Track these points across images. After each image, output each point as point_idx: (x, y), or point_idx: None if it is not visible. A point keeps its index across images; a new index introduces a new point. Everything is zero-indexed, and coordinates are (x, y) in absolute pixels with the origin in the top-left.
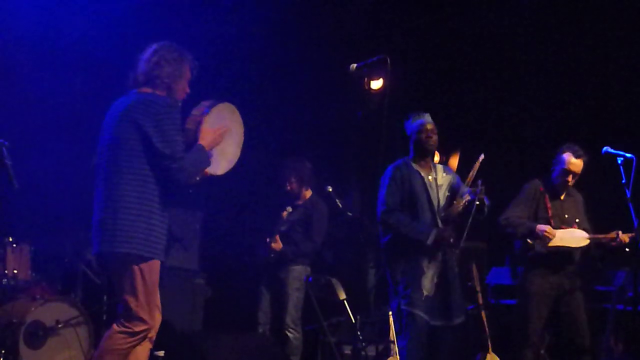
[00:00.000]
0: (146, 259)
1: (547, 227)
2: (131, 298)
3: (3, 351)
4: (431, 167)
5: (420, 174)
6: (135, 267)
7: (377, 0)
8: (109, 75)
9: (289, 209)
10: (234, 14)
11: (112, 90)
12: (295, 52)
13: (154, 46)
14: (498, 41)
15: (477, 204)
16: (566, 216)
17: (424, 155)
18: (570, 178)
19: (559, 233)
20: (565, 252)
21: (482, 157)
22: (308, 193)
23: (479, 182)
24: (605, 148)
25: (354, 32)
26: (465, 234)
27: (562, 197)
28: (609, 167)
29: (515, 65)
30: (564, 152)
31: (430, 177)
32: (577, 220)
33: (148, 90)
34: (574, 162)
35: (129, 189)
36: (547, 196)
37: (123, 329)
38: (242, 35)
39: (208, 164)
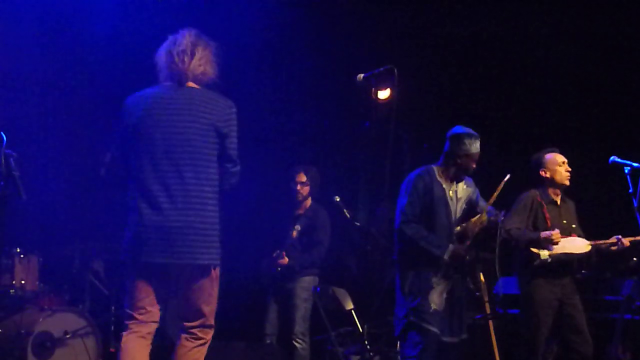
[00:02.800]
0: (218, 266)
1: (550, 232)
2: (208, 307)
3: None
4: (454, 180)
5: (442, 186)
6: (215, 276)
7: (384, 10)
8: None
9: (298, 227)
10: (242, 23)
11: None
12: (303, 62)
13: (192, 38)
14: (507, 51)
15: (493, 232)
16: (564, 222)
17: (456, 174)
18: (568, 168)
19: (562, 242)
20: (567, 260)
21: (507, 177)
22: (309, 202)
23: (502, 212)
24: (612, 158)
25: (361, 42)
26: (497, 267)
27: (558, 203)
28: (617, 177)
29: (523, 76)
30: (545, 154)
31: (451, 192)
32: (573, 225)
33: (195, 86)
34: (558, 156)
35: (208, 190)
36: (545, 207)
37: (200, 341)
38: (250, 44)
39: None
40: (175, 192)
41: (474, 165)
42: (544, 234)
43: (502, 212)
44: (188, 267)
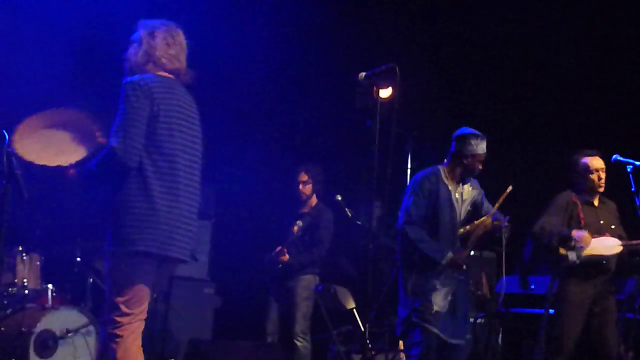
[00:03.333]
0: None
1: (582, 233)
2: None
3: None
4: (460, 181)
5: (448, 187)
6: None
7: (386, 8)
8: None
9: (300, 223)
10: (246, 22)
11: None
12: (304, 62)
13: (182, 35)
14: (510, 49)
15: (498, 236)
16: (601, 222)
17: (463, 175)
18: (601, 175)
19: (593, 242)
20: (599, 261)
21: (510, 188)
22: (314, 200)
23: (507, 218)
24: (614, 156)
25: (363, 40)
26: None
27: (596, 204)
28: (619, 175)
29: (526, 74)
30: (581, 157)
31: (457, 193)
32: (612, 226)
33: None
34: (595, 160)
35: (198, 196)
36: (580, 206)
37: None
38: (253, 43)
39: None
40: (191, 187)
41: (480, 167)
42: (575, 233)
43: (507, 217)
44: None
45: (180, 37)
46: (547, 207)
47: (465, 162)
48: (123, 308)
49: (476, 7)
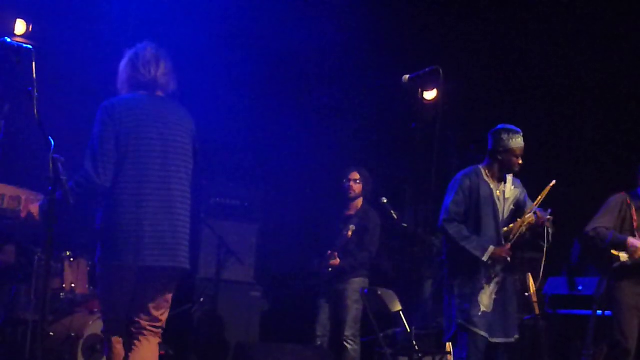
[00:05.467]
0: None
1: (638, 242)
2: (166, 312)
3: None
4: (501, 179)
5: (489, 186)
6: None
7: (431, 10)
8: None
9: (352, 227)
10: (288, 25)
11: None
12: (349, 64)
13: (153, 50)
14: (556, 48)
15: (541, 231)
16: None
17: (501, 172)
18: None
19: None
20: None
21: (553, 182)
22: (360, 202)
23: (549, 210)
24: None
25: (408, 42)
26: (543, 263)
27: None
28: None
29: (575, 72)
30: None
31: (498, 191)
32: None
33: (161, 95)
34: None
35: (188, 197)
36: (634, 208)
37: (156, 343)
38: (300, 47)
39: None
40: (169, 198)
41: (519, 162)
42: (630, 241)
43: (549, 211)
44: (177, 270)
45: (149, 52)
46: (601, 208)
47: (499, 157)
48: (109, 314)
49: (522, 8)
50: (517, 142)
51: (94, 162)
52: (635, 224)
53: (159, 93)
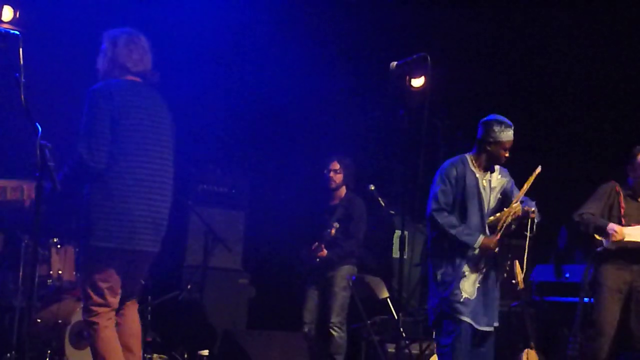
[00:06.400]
0: None
1: (617, 227)
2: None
3: (49, 351)
4: (488, 169)
5: (475, 175)
6: None
7: None
8: None
9: (337, 225)
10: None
11: None
12: (336, 52)
13: (144, 39)
14: (542, 37)
15: (525, 222)
16: None
17: (488, 163)
18: None
19: (628, 230)
20: (635, 249)
21: (538, 169)
22: (343, 191)
23: (533, 202)
24: None
25: (395, 29)
26: (526, 257)
27: (638, 198)
28: None
29: (564, 63)
30: (637, 153)
31: (484, 181)
32: None
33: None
34: None
35: (171, 183)
36: (622, 196)
37: (136, 309)
38: (281, 33)
39: None
40: (157, 184)
41: (506, 154)
42: (610, 226)
43: (535, 202)
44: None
45: (142, 41)
46: (590, 196)
47: (488, 148)
48: (96, 298)
49: None
50: (508, 135)
51: (88, 143)
52: (622, 211)
53: (135, 79)
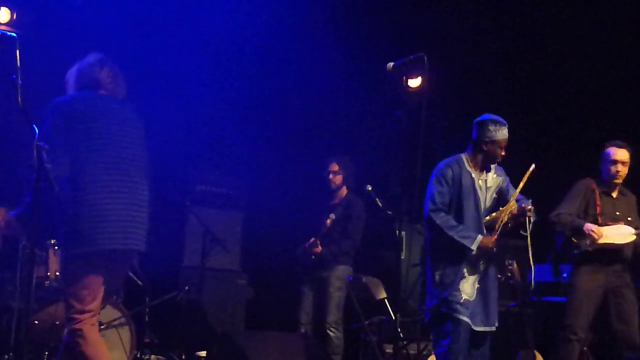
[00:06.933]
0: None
1: (594, 227)
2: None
3: (47, 352)
4: (484, 168)
5: (471, 175)
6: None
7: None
8: None
9: (332, 216)
10: (270, 11)
11: None
12: (333, 52)
13: (100, 54)
14: (541, 38)
15: (522, 220)
16: (617, 213)
17: (484, 162)
18: (618, 168)
19: (605, 230)
20: (612, 250)
21: (532, 167)
22: (344, 191)
23: (529, 200)
24: None
25: (392, 30)
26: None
27: (614, 195)
28: None
29: (557, 64)
30: (607, 147)
31: (480, 181)
32: (629, 218)
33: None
34: (618, 152)
35: (147, 191)
36: (597, 193)
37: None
38: (279, 35)
39: None
40: (123, 186)
41: (502, 153)
42: (587, 226)
43: (530, 201)
44: (135, 252)
45: (107, 60)
46: (567, 194)
47: (484, 148)
48: (78, 306)
49: None
50: (503, 133)
51: (50, 156)
52: (598, 209)
53: (103, 92)
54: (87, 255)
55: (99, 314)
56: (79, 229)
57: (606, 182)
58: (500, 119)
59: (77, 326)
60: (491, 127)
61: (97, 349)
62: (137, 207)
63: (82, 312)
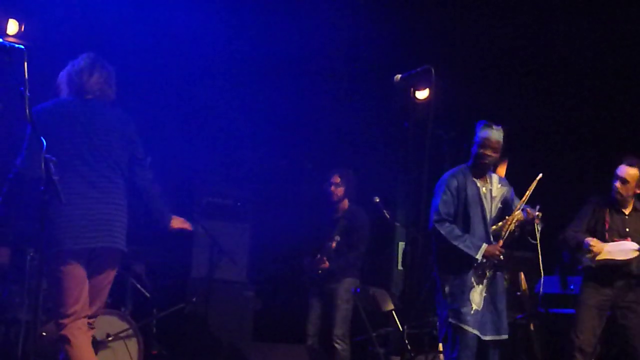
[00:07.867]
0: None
1: (594, 242)
2: (107, 293)
3: None
4: (487, 178)
5: (476, 184)
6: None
7: (423, 10)
8: None
9: (337, 238)
10: (277, 25)
11: None
12: (341, 64)
13: (89, 60)
14: (547, 51)
15: (530, 228)
16: (627, 230)
17: (479, 168)
18: (617, 185)
19: (608, 246)
20: (616, 266)
21: (539, 176)
22: (346, 203)
23: (537, 207)
24: None
25: (399, 42)
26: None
27: (626, 212)
28: None
29: (566, 75)
30: (619, 164)
31: (485, 189)
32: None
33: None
34: (621, 169)
35: (122, 187)
36: (607, 211)
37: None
38: (287, 48)
39: None
40: (99, 187)
41: (493, 154)
42: (586, 240)
43: (537, 207)
44: (115, 250)
45: (99, 64)
46: (579, 211)
47: (477, 150)
48: (60, 309)
49: (515, 6)
50: (495, 135)
51: (26, 158)
52: (607, 225)
53: (89, 97)
54: (62, 255)
55: (91, 318)
56: (52, 229)
57: (615, 199)
58: (494, 123)
59: (62, 332)
60: (481, 128)
61: (82, 352)
62: (114, 207)
63: (65, 315)
